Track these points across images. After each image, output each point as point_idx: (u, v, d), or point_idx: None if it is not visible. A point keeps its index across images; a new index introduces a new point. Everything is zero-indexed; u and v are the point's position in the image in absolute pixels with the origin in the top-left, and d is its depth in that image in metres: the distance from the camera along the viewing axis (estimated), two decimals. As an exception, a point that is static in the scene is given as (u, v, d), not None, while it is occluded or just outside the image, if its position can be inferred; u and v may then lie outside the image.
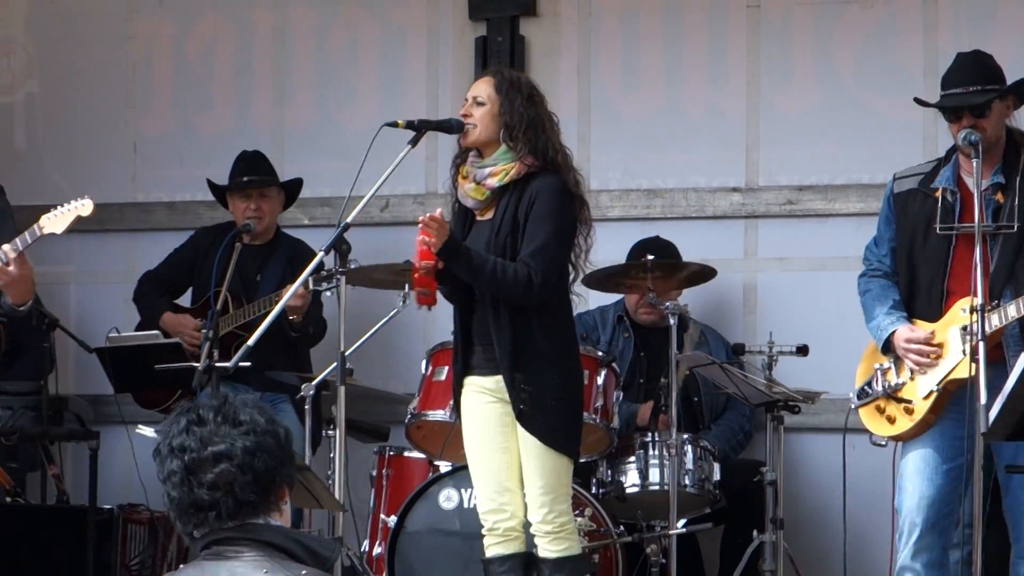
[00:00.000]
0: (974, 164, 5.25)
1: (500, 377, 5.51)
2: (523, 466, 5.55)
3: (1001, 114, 5.42)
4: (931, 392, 5.38)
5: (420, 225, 5.43)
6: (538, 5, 7.55)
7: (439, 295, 5.66)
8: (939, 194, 5.44)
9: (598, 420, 6.12)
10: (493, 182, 5.58)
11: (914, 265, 5.51)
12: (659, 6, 7.48)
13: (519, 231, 5.53)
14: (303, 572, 3.15)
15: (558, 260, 5.56)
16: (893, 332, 5.45)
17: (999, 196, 5.39)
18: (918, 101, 5.67)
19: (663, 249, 6.82)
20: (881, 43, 7.22)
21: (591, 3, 7.53)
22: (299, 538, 3.24)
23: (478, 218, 5.68)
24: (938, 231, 5.41)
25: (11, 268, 5.87)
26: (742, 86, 7.37)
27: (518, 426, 5.52)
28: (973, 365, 5.00)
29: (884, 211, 5.64)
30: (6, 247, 5.89)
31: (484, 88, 5.67)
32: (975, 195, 5.23)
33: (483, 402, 5.61)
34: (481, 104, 5.63)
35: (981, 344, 5.00)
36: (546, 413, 5.49)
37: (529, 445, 5.52)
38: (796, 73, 7.34)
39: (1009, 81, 5.49)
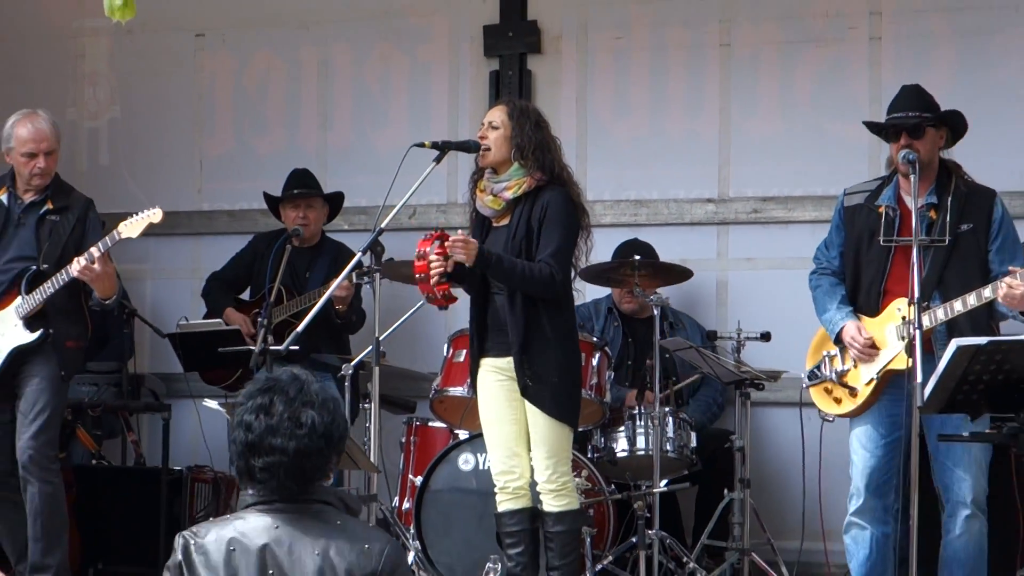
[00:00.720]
0: (912, 180, 5.25)
1: (512, 358, 5.51)
2: (530, 434, 5.55)
3: (933, 141, 5.40)
4: (872, 380, 5.39)
5: (422, 253, 5.45)
6: (543, 45, 7.55)
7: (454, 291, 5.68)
8: (882, 210, 5.46)
9: (593, 395, 6.13)
10: (508, 194, 5.57)
11: (859, 268, 5.51)
12: (645, 45, 7.48)
13: (532, 235, 5.53)
14: (372, 526, 3.26)
15: (570, 259, 5.57)
16: (843, 327, 5.47)
17: (932, 213, 5.38)
18: (867, 124, 5.68)
19: (643, 248, 6.83)
20: (833, 77, 7.23)
21: (588, 43, 7.53)
22: (341, 496, 3.27)
23: (495, 224, 5.67)
24: (881, 243, 5.42)
25: (96, 266, 5.92)
26: (715, 113, 7.37)
27: (526, 400, 5.53)
28: (914, 351, 5.01)
29: (835, 220, 5.64)
30: (92, 249, 5.93)
31: (498, 115, 5.66)
32: (912, 212, 5.24)
33: (496, 380, 5.61)
34: (496, 128, 5.62)
35: (918, 333, 5.02)
36: (550, 388, 5.49)
37: (535, 416, 5.51)
38: (761, 102, 7.34)
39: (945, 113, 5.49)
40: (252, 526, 3.18)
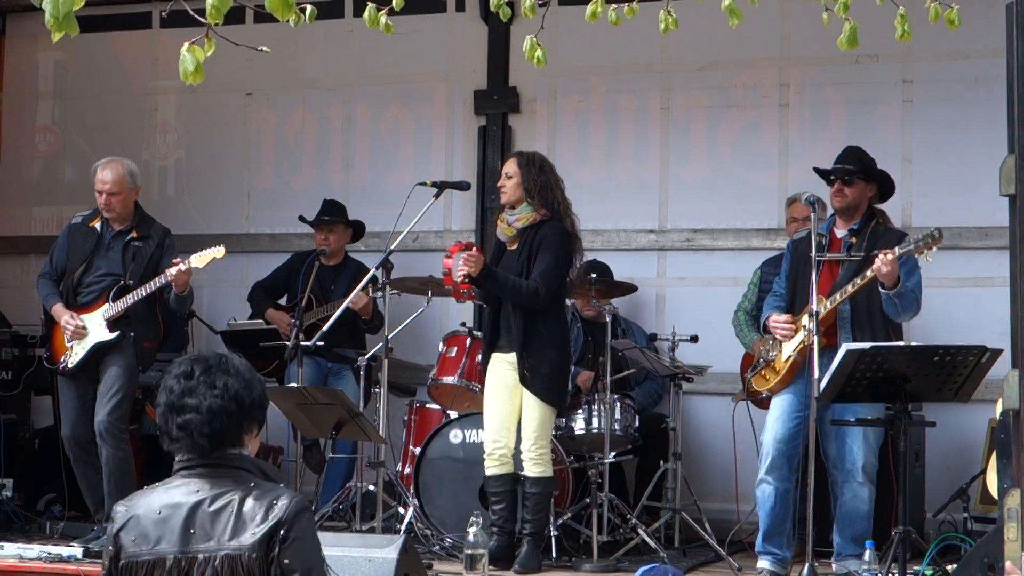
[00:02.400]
0: (812, 218, 5.27)
1: (515, 353, 5.56)
2: (523, 413, 5.59)
3: (862, 190, 5.43)
4: (789, 357, 5.39)
5: (449, 253, 5.50)
6: (521, 106, 7.54)
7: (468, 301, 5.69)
8: (818, 236, 5.48)
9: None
10: (518, 224, 5.67)
11: (797, 281, 5.52)
12: (601, 108, 7.47)
13: (532, 258, 5.61)
14: (280, 486, 2.94)
15: (556, 278, 5.60)
16: (769, 315, 5.50)
17: (853, 239, 5.42)
18: (815, 170, 5.61)
19: (599, 268, 6.77)
20: (750, 135, 7.21)
21: (556, 105, 7.52)
22: (259, 465, 2.99)
23: (508, 248, 5.75)
24: (812, 257, 5.42)
25: (185, 268, 5.85)
26: (656, 162, 7.35)
27: (522, 387, 5.55)
28: (812, 356, 5.02)
29: (786, 255, 5.66)
30: (183, 265, 5.84)
31: (511, 166, 5.75)
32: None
33: (503, 370, 5.65)
34: (510, 177, 5.71)
35: (816, 338, 5.02)
36: (543, 378, 5.54)
37: (529, 399, 5.56)
38: (693, 154, 7.32)
39: (875, 170, 5.51)
40: (178, 490, 2.91)
